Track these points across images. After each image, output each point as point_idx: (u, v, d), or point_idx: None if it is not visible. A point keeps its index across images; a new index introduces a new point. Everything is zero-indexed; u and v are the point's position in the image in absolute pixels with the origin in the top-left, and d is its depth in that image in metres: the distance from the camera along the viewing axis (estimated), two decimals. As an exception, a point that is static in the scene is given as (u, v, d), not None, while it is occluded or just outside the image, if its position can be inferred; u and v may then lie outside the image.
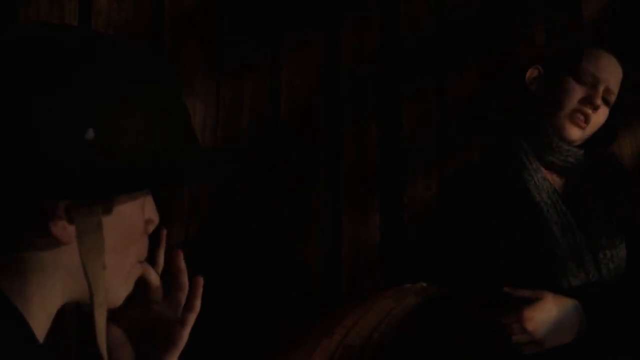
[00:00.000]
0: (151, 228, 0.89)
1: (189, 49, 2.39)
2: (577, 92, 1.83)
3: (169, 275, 1.00)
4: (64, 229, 0.78)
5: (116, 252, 0.83)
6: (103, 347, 0.83)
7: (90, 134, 0.75)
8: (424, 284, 1.98)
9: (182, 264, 1.02)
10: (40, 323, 0.81)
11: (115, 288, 0.85)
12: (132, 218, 0.84)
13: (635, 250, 1.76)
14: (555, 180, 1.82)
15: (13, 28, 0.82)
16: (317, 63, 2.51)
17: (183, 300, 1.01)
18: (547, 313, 1.63)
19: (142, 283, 0.95)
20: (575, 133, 1.82)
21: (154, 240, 0.95)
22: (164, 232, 1.00)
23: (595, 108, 1.81)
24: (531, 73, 1.91)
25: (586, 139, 1.86)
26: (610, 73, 1.87)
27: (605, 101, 1.85)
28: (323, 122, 2.50)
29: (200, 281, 1.01)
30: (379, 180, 2.53)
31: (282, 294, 2.40)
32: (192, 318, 1.00)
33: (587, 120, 1.82)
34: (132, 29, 2.34)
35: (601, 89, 1.83)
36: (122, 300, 0.87)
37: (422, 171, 2.52)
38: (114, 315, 0.97)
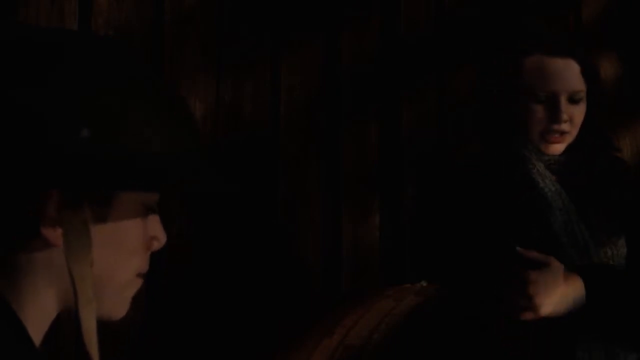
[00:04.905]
0: (156, 245, 0.88)
1: (189, 49, 2.39)
2: (538, 113, 1.70)
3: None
4: (54, 230, 0.77)
5: (110, 263, 0.82)
6: (93, 349, 0.81)
7: (86, 132, 0.75)
8: (424, 284, 1.98)
9: None
10: (36, 327, 0.80)
11: (111, 299, 0.84)
12: (131, 230, 0.83)
13: (637, 251, 1.75)
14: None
15: (16, 27, 0.82)
16: (317, 63, 2.51)
17: None
18: (551, 279, 1.60)
19: None
20: (555, 148, 1.73)
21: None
22: None
23: (564, 122, 1.70)
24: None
25: (575, 139, 1.75)
26: (563, 78, 1.70)
27: (574, 101, 1.71)
28: (323, 122, 2.50)
29: None
30: (379, 180, 2.53)
31: (282, 294, 2.40)
32: None
33: (562, 134, 1.71)
34: (132, 29, 2.34)
35: (562, 99, 1.69)
36: (123, 313, 0.86)
37: (422, 171, 2.52)
38: None
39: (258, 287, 2.38)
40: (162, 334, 2.30)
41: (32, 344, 0.78)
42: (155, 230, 0.87)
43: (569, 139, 1.75)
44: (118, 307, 0.86)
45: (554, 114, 1.70)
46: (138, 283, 0.88)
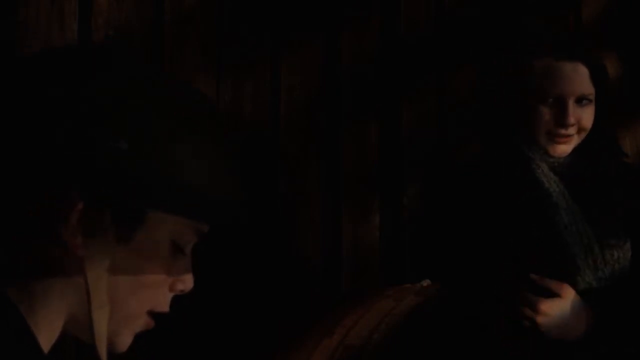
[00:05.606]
0: (179, 287, 0.86)
1: (189, 49, 2.39)
2: (545, 114, 1.70)
3: None
4: (74, 237, 0.77)
5: (121, 289, 0.81)
6: (102, 353, 0.80)
7: (124, 144, 0.75)
8: (424, 284, 1.98)
9: None
10: (46, 335, 0.80)
11: (116, 328, 0.82)
12: (151, 262, 0.82)
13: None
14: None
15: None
16: (317, 63, 2.51)
17: None
18: (561, 312, 1.62)
19: None
20: (561, 150, 1.73)
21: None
22: None
23: (571, 125, 1.69)
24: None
25: (582, 142, 1.76)
26: (572, 82, 1.69)
27: (582, 104, 1.71)
28: (323, 122, 2.50)
29: None
30: (379, 180, 2.53)
31: (282, 294, 2.40)
32: None
33: (568, 136, 1.71)
34: (132, 29, 2.34)
35: (570, 102, 1.68)
36: (125, 347, 0.84)
37: (422, 171, 2.52)
38: None
39: (258, 287, 2.38)
40: (162, 333, 2.30)
41: (40, 350, 0.78)
42: (181, 272, 0.85)
43: (576, 140, 1.74)
44: (119, 338, 0.84)
45: (561, 117, 1.69)
46: (147, 321, 0.85)
